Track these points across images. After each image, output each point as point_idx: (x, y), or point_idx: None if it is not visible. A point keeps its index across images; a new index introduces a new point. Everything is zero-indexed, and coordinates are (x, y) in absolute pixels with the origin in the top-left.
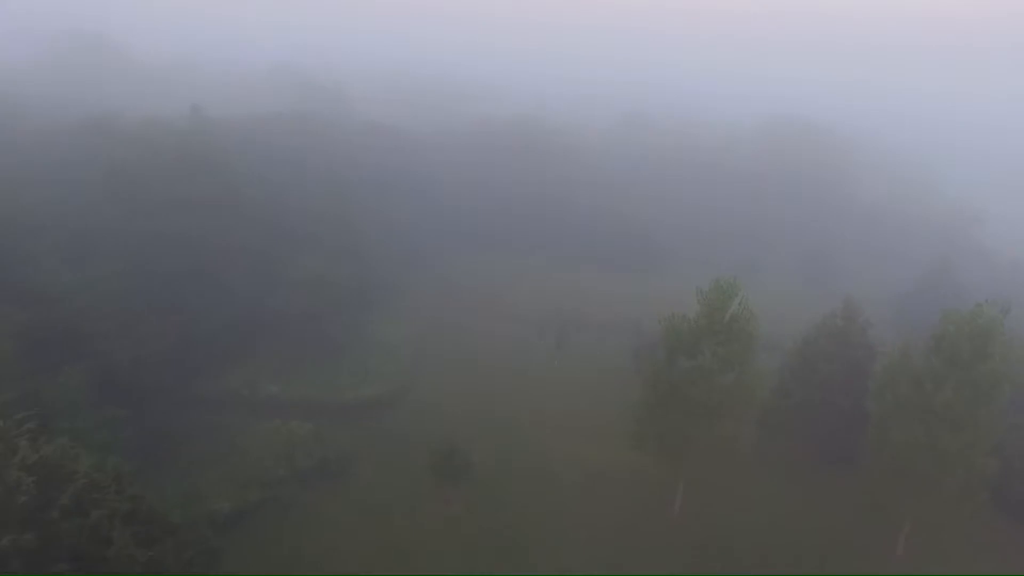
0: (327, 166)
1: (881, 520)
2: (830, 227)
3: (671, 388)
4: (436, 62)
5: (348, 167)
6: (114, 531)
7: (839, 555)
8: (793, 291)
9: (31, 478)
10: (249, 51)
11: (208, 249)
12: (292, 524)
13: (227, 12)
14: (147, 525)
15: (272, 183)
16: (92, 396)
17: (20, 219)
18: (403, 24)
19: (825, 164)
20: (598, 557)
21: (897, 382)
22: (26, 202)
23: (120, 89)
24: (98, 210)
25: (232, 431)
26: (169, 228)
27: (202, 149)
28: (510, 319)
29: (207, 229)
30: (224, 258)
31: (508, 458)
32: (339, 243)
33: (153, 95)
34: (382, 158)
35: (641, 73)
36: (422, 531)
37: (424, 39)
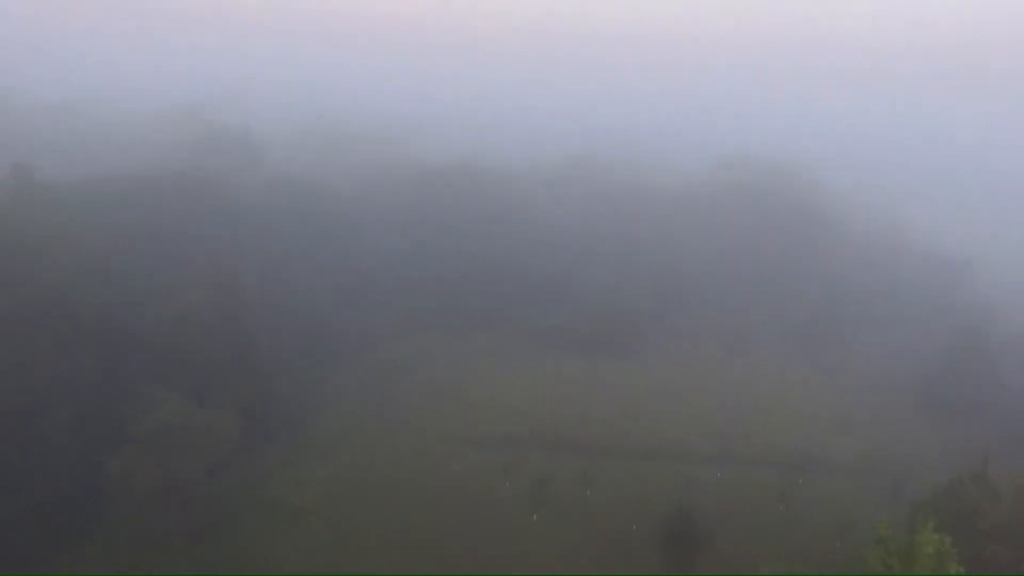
0: (220, 238)
1: None
2: (815, 284)
3: None
4: (362, 100)
5: (248, 236)
6: None
7: None
8: (796, 372)
9: None
10: (156, 94)
11: (8, 391)
12: None
13: (139, 50)
14: None
15: (132, 272)
16: None
17: None
18: (329, 58)
19: (794, 209)
20: None
21: None
22: None
23: None
24: None
25: None
26: None
27: (20, 230)
28: (464, 442)
29: (7, 358)
30: (36, 403)
31: None
32: (220, 355)
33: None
34: (295, 220)
35: (573, 105)
36: None
37: (350, 75)
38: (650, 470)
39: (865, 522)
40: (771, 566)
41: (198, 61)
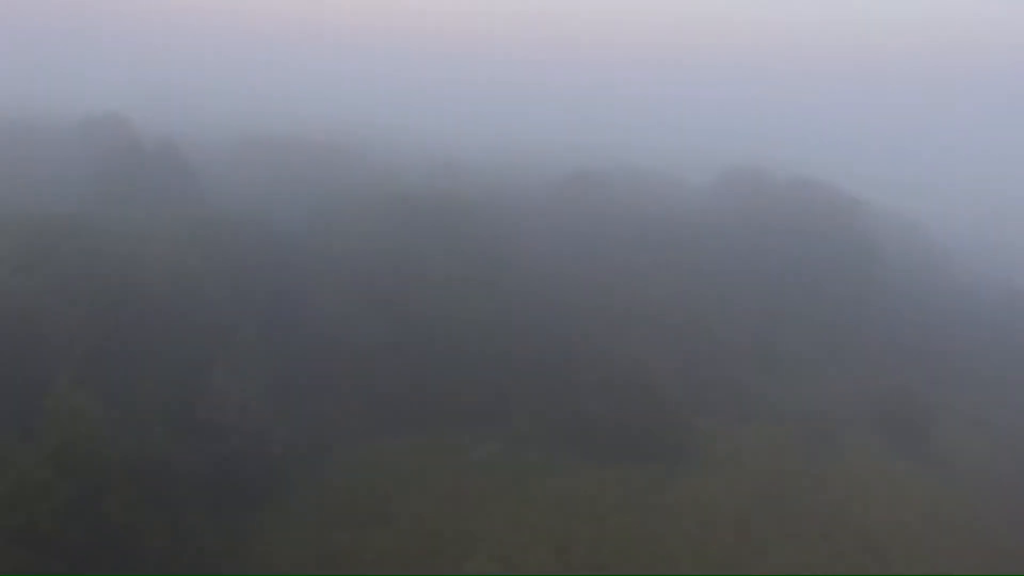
0: (106, 323)
1: None
2: (881, 334)
3: None
4: (312, 105)
5: (150, 303)
6: None
7: None
8: (909, 481)
9: None
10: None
11: None
12: None
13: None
14: None
15: None
16: None
17: None
18: (270, 56)
19: (827, 232)
20: None
21: None
22: None
23: None
24: None
25: None
26: None
27: None
28: None
29: None
30: None
31: None
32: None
33: None
34: (221, 271)
35: (561, 116)
36: None
37: (298, 75)
38: None
39: None
40: None
41: (112, 66)
